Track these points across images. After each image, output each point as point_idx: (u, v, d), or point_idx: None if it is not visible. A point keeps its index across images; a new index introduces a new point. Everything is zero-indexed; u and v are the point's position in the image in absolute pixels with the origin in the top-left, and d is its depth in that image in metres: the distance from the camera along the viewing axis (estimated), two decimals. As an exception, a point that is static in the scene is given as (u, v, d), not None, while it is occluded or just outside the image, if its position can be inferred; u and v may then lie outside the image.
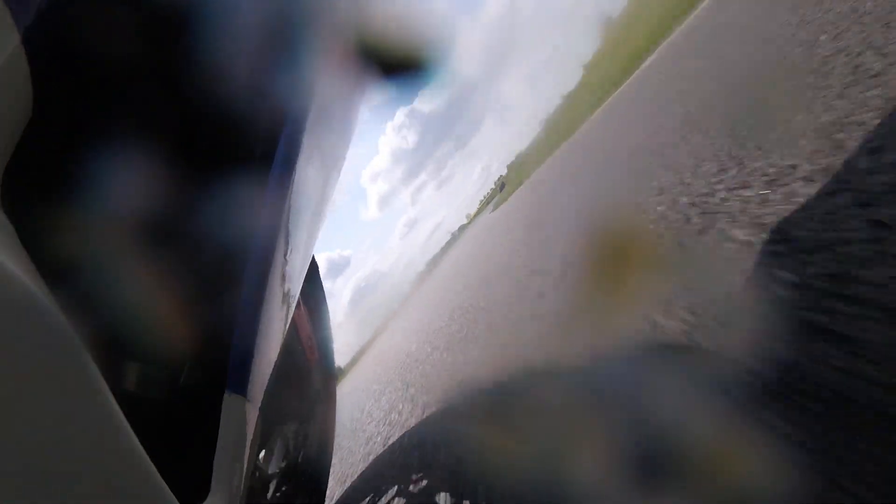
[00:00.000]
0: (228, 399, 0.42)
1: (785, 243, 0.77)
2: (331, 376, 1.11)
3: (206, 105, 0.42)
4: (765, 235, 0.84)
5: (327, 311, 1.11)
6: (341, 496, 1.57)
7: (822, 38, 1.48)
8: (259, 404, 0.48)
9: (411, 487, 1.15)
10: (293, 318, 0.90)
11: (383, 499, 1.22)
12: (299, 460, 0.94)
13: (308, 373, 0.99)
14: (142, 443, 0.28)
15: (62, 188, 0.36)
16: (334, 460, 1.71)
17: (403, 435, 1.68)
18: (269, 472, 0.86)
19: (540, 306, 1.65)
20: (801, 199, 0.84)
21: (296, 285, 0.62)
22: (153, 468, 0.28)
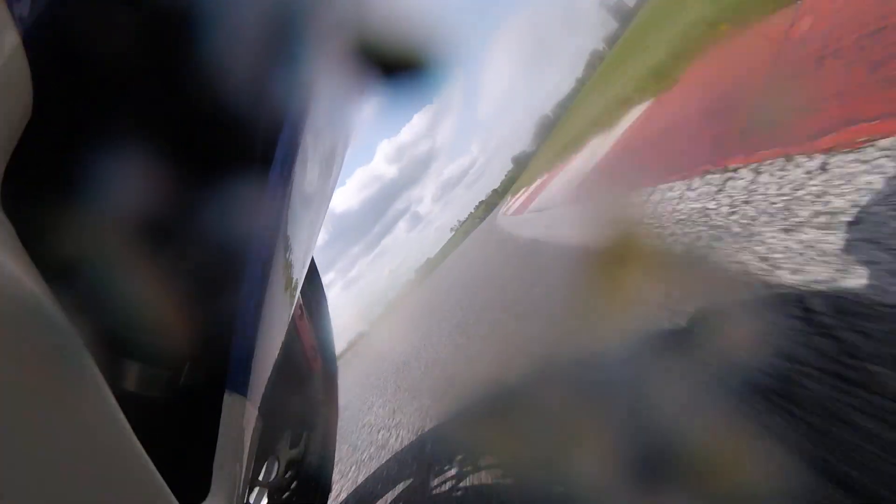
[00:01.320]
0: (228, 399, 0.42)
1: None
2: (333, 384, 1.10)
3: (205, 105, 0.42)
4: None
5: (328, 316, 1.10)
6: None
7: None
8: (259, 404, 0.48)
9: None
10: (296, 327, 0.90)
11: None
12: (302, 468, 0.94)
13: (311, 382, 0.99)
14: (142, 443, 0.28)
15: (62, 188, 0.36)
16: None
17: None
18: (273, 480, 0.86)
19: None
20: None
21: (296, 286, 0.62)
22: (153, 468, 0.28)
